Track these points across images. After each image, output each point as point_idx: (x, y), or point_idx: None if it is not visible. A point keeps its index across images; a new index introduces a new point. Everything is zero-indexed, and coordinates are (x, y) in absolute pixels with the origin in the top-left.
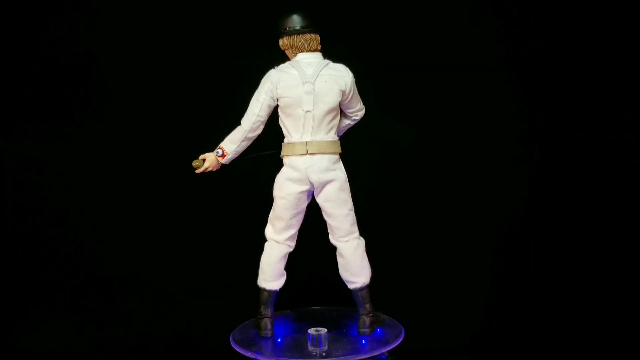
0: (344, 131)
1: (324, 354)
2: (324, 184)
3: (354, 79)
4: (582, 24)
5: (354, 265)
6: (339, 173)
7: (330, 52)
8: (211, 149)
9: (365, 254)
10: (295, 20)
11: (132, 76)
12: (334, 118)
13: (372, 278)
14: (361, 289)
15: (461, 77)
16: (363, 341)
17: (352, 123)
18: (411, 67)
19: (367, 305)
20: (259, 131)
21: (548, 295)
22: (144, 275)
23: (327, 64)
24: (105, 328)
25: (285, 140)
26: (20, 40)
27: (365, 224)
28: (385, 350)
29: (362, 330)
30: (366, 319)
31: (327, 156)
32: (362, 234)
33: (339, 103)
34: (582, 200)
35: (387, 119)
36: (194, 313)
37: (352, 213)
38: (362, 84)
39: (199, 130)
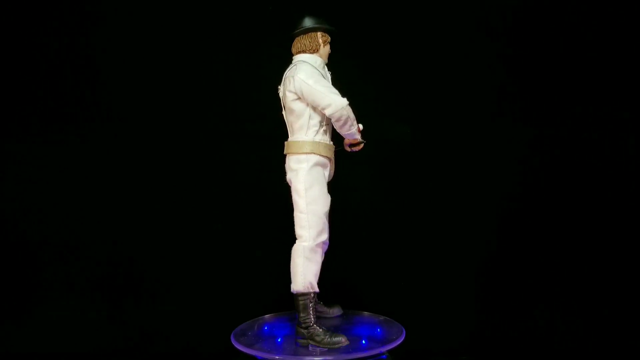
0: (345, 130)
1: (324, 353)
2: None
3: (304, 78)
4: (583, 24)
5: (291, 268)
6: (296, 174)
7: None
8: (213, 150)
9: (301, 263)
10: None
11: (133, 78)
12: (299, 119)
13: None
14: (293, 294)
15: (461, 77)
16: (363, 341)
17: (334, 122)
18: (411, 67)
19: (300, 315)
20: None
21: (548, 295)
22: (144, 275)
23: (295, 66)
24: (105, 328)
25: None
26: (22, 42)
27: (366, 225)
28: (385, 350)
29: (295, 338)
30: (297, 329)
31: (292, 156)
32: (363, 234)
33: (305, 103)
34: (582, 201)
35: (386, 119)
36: (194, 313)
37: (302, 216)
38: (363, 84)
39: (200, 131)
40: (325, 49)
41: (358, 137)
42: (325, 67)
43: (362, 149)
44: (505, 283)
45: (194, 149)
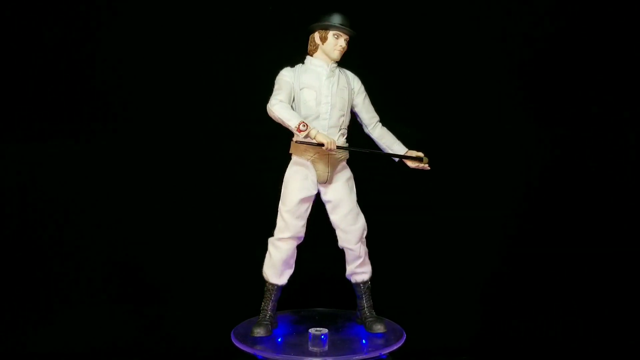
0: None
1: (324, 353)
2: None
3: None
4: (583, 25)
5: None
6: None
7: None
8: (213, 150)
9: (266, 255)
10: None
11: (134, 78)
12: None
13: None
14: None
15: (462, 78)
16: (363, 341)
17: None
18: (412, 68)
19: None
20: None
21: (547, 296)
22: (145, 275)
23: None
24: (105, 328)
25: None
26: (26, 44)
27: (367, 225)
28: (385, 351)
29: None
30: None
31: None
32: (367, 235)
33: None
34: (581, 202)
35: (388, 119)
36: (194, 313)
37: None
38: (364, 83)
39: (200, 131)
40: (327, 45)
41: (300, 136)
42: (327, 64)
43: (329, 150)
44: (505, 284)
45: (194, 149)
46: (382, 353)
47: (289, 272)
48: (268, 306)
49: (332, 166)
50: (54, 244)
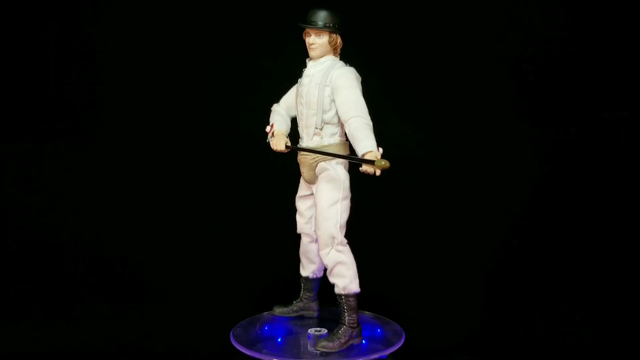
0: None
1: (324, 354)
2: None
3: None
4: (584, 23)
5: None
6: None
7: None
8: (213, 150)
9: None
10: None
11: (134, 78)
12: None
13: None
14: None
15: (463, 77)
16: (363, 341)
17: None
18: (413, 67)
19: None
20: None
21: (547, 296)
22: (144, 275)
23: None
24: (105, 328)
25: (341, 139)
26: (24, 43)
27: (367, 225)
28: (385, 352)
29: None
30: None
31: None
32: (363, 236)
33: None
34: (580, 203)
35: (388, 119)
36: (193, 313)
37: None
38: (364, 80)
39: (198, 131)
40: (307, 46)
41: (269, 138)
42: (307, 63)
43: (275, 150)
44: (506, 283)
45: (194, 149)
46: (382, 354)
47: (312, 266)
48: (300, 293)
49: (306, 167)
50: (54, 244)
